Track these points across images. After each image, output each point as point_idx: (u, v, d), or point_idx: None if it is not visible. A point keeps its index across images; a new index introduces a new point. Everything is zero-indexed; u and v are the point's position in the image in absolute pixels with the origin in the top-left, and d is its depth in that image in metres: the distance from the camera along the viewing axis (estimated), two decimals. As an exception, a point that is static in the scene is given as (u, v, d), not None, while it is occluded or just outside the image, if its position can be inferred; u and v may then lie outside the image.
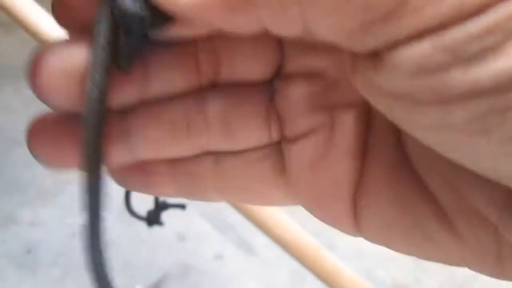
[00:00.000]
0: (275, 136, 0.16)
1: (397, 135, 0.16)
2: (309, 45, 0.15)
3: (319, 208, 0.17)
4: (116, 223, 1.03)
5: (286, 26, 0.13)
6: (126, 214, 0.64)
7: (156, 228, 0.72)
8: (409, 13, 0.11)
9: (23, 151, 1.17)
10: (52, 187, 1.10)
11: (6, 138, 1.19)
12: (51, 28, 0.49)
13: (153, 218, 0.68)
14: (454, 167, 0.13)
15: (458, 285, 0.95)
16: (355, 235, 0.17)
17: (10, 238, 0.99)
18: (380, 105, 0.13)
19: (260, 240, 0.97)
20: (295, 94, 0.16)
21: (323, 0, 0.11)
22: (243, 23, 0.13)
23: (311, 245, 0.50)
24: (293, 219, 0.52)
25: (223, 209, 1.04)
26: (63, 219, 1.03)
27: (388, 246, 0.16)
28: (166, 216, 0.70)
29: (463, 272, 0.98)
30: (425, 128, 0.13)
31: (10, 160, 1.14)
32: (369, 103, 0.15)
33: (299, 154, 0.16)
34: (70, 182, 1.11)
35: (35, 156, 0.16)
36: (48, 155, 0.17)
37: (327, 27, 0.12)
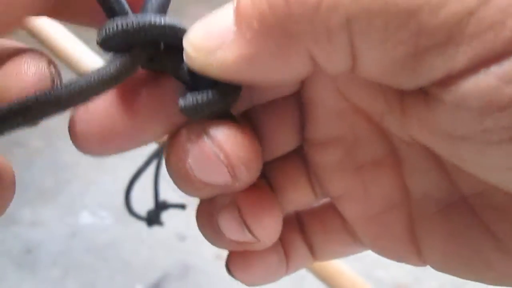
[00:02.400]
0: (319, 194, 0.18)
1: (442, 173, 0.16)
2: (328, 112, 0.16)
3: (384, 250, 0.18)
4: (116, 223, 1.03)
5: (334, 58, 0.12)
6: (126, 214, 0.64)
7: (156, 228, 0.72)
8: (467, 40, 0.10)
9: (23, 151, 1.17)
10: (52, 187, 1.09)
11: (6, 138, 1.19)
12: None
13: (153, 218, 0.68)
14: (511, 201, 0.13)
15: (458, 285, 0.94)
16: (422, 266, 0.17)
17: (10, 238, 0.98)
18: (442, 149, 0.13)
19: (260, 240, 0.97)
20: (322, 162, 0.17)
21: (372, 26, 0.10)
22: (292, 59, 0.12)
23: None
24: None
25: (223, 209, 1.03)
26: (63, 219, 1.03)
27: (454, 275, 0.16)
28: (166, 216, 0.70)
29: (463, 272, 0.98)
30: (497, 169, 0.12)
31: (10, 160, 1.14)
32: (398, 152, 0.15)
33: (347, 211, 0.18)
34: (70, 182, 1.11)
35: None
36: None
37: (376, 58, 0.11)
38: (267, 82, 0.13)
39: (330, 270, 0.49)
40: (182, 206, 0.68)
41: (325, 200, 0.19)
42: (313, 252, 0.19)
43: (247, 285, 0.18)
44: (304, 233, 0.19)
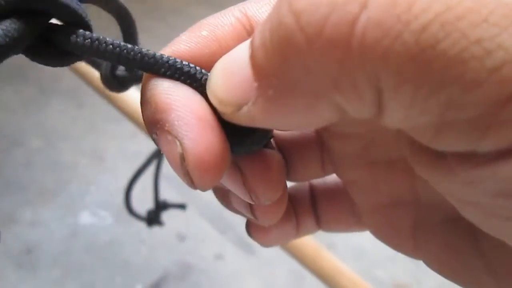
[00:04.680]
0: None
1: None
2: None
3: (384, 239, 0.19)
4: (116, 223, 1.03)
5: (360, 108, 0.11)
6: (126, 214, 0.64)
7: (156, 228, 0.72)
8: (499, 125, 0.09)
9: (23, 151, 1.17)
10: (51, 187, 1.09)
11: (6, 138, 1.19)
12: None
13: (153, 218, 0.68)
14: None
15: (458, 285, 0.94)
16: (417, 259, 0.18)
17: (10, 238, 0.98)
18: (451, 201, 0.13)
19: (260, 240, 0.97)
20: (338, 149, 0.18)
21: (401, 91, 0.10)
22: (319, 110, 0.12)
23: (311, 245, 0.50)
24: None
25: (223, 209, 1.04)
26: (63, 219, 1.03)
27: (445, 278, 0.17)
28: (166, 216, 0.70)
29: (463, 272, 0.98)
30: (502, 232, 0.12)
31: (10, 160, 1.14)
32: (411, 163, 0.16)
33: (357, 196, 0.19)
34: (70, 182, 1.11)
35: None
36: None
37: (401, 117, 0.11)
38: (297, 128, 0.14)
39: (330, 270, 0.49)
40: (182, 206, 0.68)
41: (340, 180, 0.20)
42: (319, 224, 0.20)
43: (262, 245, 0.20)
44: (315, 206, 0.20)
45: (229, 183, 0.16)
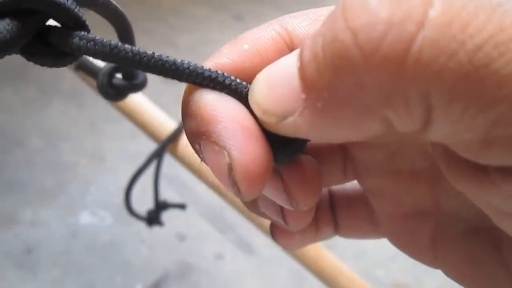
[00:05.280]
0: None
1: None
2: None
3: (402, 248, 0.19)
4: (116, 223, 1.03)
5: (408, 123, 0.11)
6: (126, 214, 0.64)
7: (156, 228, 0.72)
8: None
9: (24, 151, 1.17)
10: (52, 187, 1.10)
11: (6, 138, 1.19)
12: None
13: (153, 218, 0.68)
14: None
15: (458, 285, 0.94)
16: (433, 268, 0.18)
17: (10, 238, 0.99)
18: (488, 213, 0.13)
19: (260, 240, 0.97)
20: (362, 158, 0.18)
21: (451, 107, 0.10)
22: (367, 125, 0.12)
23: (311, 245, 0.50)
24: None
25: (223, 209, 1.04)
26: (63, 219, 1.03)
27: (461, 285, 0.17)
28: (166, 216, 0.70)
29: (463, 272, 0.98)
30: None
31: (10, 160, 1.14)
32: (436, 169, 0.15)
33: (377, 204, 0.19)
34: (70, 182, 1.11)
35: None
36: None
37: (447, 134, 0.11)
38: (340, 140, 0.14)
39: (330, 270, 0.49)
40: (182, 206, 0.68)
41: (359, 187, 0.20)
42: (337, 229, 0.21)
43: (283, 248, 0.21)
44: (334, 212, 0.20)
45: (270, 191, 0.16)
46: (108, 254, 0.98)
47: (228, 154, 0.13)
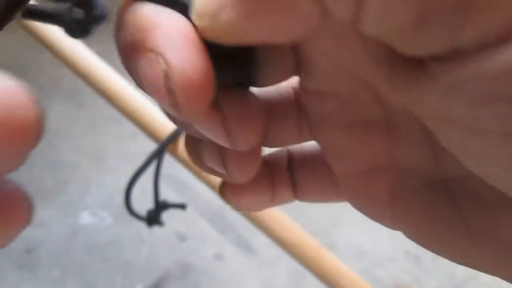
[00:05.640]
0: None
1: (430, 149, 0.16)
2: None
3: (361, 207, 0.18)
4: (116, 223, 1.03)
5: (341, 8, 0.11)
6: (126, 214, 0.64)
7: (156, 228, 0.72)
8: (478, 11, 0.09)
9: (23, 151, 1.16)
10: (52, 187, 1.10)
11: (6, 138, 1.19)
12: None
13: (153, 218, 0.68)
14: (495, 200, 0.13)
15: (458, 285, 0.94)
16: (394, 230, 0.18)
17: (10, 238, 0.99)
18: (431, 126, 0.12)
19: (260, 240, 0.97)
20: (315, 111, 0.17)
21: None
22: (301, 7, 0.11)
23: (311, 245, 0.50)
24: (293, 219, 0.52)
25: (223, 209, 1.04)
26: (63, 219, 1.03)
27: (422, 246, 0.17)
28: (166, 216, 0.70)
29: (463, 272, 0.98)
30: (482, 159, 0.11)
31: (10, 160, 1.14)
32: (390, 119, 0.15)
33: (334, 163, 0.18)
34: (70, 182, 1.11)
35: None
36: None
37: (379, 16, 0.10)
38: (279, 39, 0.12)
39: (330, 270, 0.49)
40: (182, 206, 0.68)
41: (319, 148, 0.19)
42: (296, 193, 0.20)
43: (235, 209, 0.19)
44: (292, 174, 0.20)
45: (207, 123, 0.15)
46: (108, 254, 0.98)
47: (165, 60, 0.12)
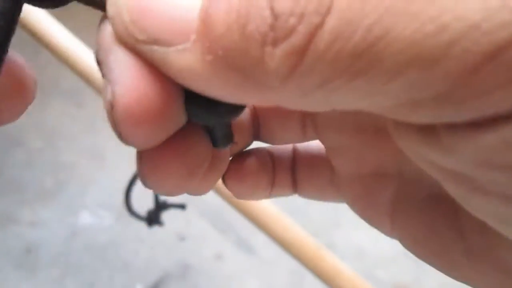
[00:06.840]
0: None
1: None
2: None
3: (360, 211, 0.18)
4: (116, 223, 1.03)
5: (314, 106, 0.11)
6: (126, 214, 0.64)
7: (156, 228, 0.72)
8: (473, 96, 0.09)
9: (23, 151, 1.17)
10: (51, 187, 1.09)
11: (6, 138, 1.19)
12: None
13: (153, 218, 0.68)
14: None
15: (458, 285, 0.94)
16: (392, 238, 0.18)
17: (10, 238, 0.98)
18: (431, 173, 0.12)
19: (260, 240, 0.97)
20: (323, 112, 0.17)
21: (352, 85, 0.09)
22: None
23: (311, 245, 0.50)
24: (293, 219, 0.52)
25: (223, 209, 1.04)
26: (63, 219, 1.03)
27: (419, 259, 0.17)
28: (166, 216, 0.70)
29: (463, 272, 0.98)
30: (480, 212, 0.11)
31: (10, 160, 1.14)
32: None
33: (337, 163, 0.18)
34: (70, 182, 1.11)
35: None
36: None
37: (368, 105, 0.10)
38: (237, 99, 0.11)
39: (330, 270, 0.49)
40: (182, 206, 0.68)
41: (323, 147, 0.20)
42: (295, 188, 0.20)
43: (234, 195, 0.20)
44: (294, 170, 0.20)
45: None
46: (108, 254, 0.98)
47: (111, 90, 0.11)
